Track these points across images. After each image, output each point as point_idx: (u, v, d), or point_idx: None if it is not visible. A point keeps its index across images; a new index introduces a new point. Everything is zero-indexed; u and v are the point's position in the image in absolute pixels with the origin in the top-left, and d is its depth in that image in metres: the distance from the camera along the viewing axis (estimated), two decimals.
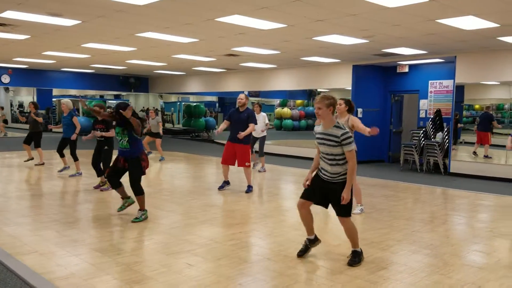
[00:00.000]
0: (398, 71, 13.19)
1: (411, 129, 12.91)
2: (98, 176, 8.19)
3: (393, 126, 13.63)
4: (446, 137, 11.29)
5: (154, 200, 7.39)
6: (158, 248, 4.87)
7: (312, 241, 4.61)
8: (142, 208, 5.96)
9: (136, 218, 5.87)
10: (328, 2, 6.30)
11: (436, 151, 11.26)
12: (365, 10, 6.69)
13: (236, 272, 4.18)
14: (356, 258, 4.36)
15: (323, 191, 4.36)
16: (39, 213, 6.31)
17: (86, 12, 7.32)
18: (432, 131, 11.77)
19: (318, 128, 4.34)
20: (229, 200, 7.60)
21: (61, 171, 9.78)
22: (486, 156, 11.95)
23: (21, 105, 27.73)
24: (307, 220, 4.53)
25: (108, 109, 6.49)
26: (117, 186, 6.07)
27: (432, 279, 4.07)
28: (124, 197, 6.17)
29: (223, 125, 8.31)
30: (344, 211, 4.30)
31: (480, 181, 10.22)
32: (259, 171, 10.93)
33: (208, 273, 4.12)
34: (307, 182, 4.46)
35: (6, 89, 26.65)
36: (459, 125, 12.69)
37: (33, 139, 10.83)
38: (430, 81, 12.44)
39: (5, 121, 20.81)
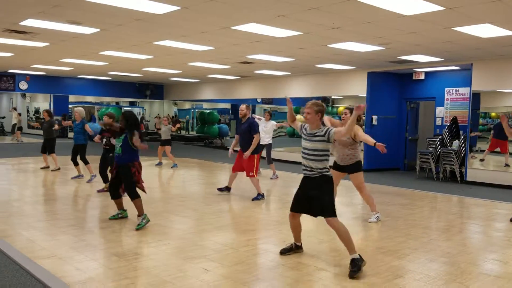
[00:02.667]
0: (414, 78, 13.12)
1: (427, 136, 12.81)
2: (105, 182, 8.30)
3: (409, 134, 13.54)
4: (463, 145, 11.17)
5: (169, 205, 7.45)
6: (175, 252, 4.91)
7: (298, 247, 4.90)
8: (140, 213, 5.89)
9: (138, 225, 5.79)
10: (344, 10, 6.33)
11: (452, 159, 11.15)
12: (381, 17, 6.70)
13: (252, 278, 4.20)
14: (355, 268, 4.22)
15: (307, 196, 4.53)
16: (56, 218, 6.40)
17: (106, 21, 7.46)
18: (448, 139, 11.67)
19: (307, 125, 4.61)
20: (243, 207, 7.63)
21: (74, 178, 9.89)
22: (507, 165, 11.81)
23: (37, 111, 28.17)
24: (296, 229, 4.81)
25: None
26: (116, 197, 6.11)
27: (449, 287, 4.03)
28: (120, 208, 6.24)
29: (234, 141, 8.41)
30: (327, 211, 4.40)
31: (497, 189, 10.08)
32: (271, 178, 10.94)
33: (225, 278, 4.14)
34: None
35: (23, 95, 27.11)
36: (472, 133, 12.53)
37: (47, 145, 11.03)
38: (446, 89, 12.34)
39: (20, 128, 21.09)
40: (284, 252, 4.84)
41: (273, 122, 11.21)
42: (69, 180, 9.79)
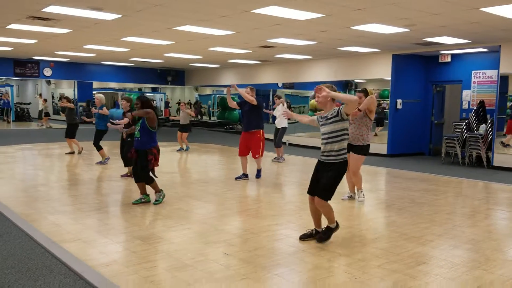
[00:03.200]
0: (440, 60, 12.78)
1: (454, 120, 12.51)
2: (125, 166, 8.40)
3: (435, 118, 13.25)
4: (490, 129, 10.87)
5: (190, 190, 7.51)
6: (196, 237, 4.94)
7: (316, 233, 4.83)
8: (157, 190, 6.20)
9: (156, 200, 6.15)
10: None
11: (479, 144, 10.87)
12: None
13: (272, 262, 4.19)
14: (325, 235, 4.68)
15: (319, 176, 4.60)
16: (81, 202, 6.53)
17: (126, 6, 7.47)
18: (475, 123, 11.37)
19: (318, 116, 4.74)
20: (262, 192, 7.62)
21: (99, 163, 9.96)
22: None
23: (61, 98, 28.68)
24: (316, 214, 4.78)
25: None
26: (138, 181, 6.22)
27: (473, 274, 3.95)
28: (143, 193, 6.32)
29: (235, 104, 8.37)
30: (324, 192, 4.50)
31: None
32: (272, 160, 11.02)
33: (245, 263, 4.15)
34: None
35: (48, 82, 27.59)
36: None
37: (69, 130, 11.20)
38: (473, 71, 12.00)
39: (47, 114, 21.52)
40: (303, 237, 4.83)
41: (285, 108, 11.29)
42: (94, 164, 9.93)
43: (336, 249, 4.57)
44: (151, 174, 6.15)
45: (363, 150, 6.41)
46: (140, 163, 6.08)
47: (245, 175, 8.46)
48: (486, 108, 11.39)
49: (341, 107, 4.45)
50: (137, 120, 6.17)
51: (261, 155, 8.31)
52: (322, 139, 4.60)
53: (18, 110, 25.91)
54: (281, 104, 11.36)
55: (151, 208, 6.16)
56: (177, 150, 12.81)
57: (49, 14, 8.17)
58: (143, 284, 3.59)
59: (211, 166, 11.08)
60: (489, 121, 11.01)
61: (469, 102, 12.10)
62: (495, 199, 7.78)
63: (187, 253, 4.39)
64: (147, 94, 28.51)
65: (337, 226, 4.77)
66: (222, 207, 6.41)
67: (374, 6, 7.05)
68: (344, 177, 6.39)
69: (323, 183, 4.53)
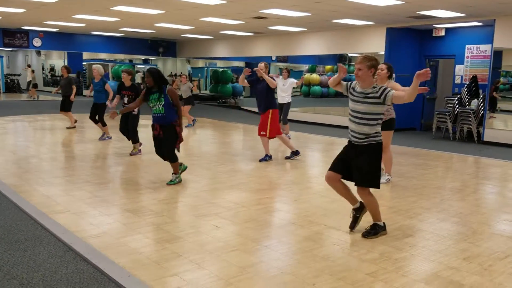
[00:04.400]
0: (434, 34, 12.67)
1: (446, 95, 12.51)
2: (130, 140, 8.08)
3: (427, 93, 13.22)
4: (482, 104, 10.89)
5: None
6: (187, 210, 4.97)
7: (359, 210, 4.32)
8: (176, 172, 6.04)
9: (171, 181, 5.98)
10: None
11: (470, 119, 10.91)
12: None
13: (262, 235, 4.24)
14: (372, 230, 4.17)
15: (348, 162, 4.12)
16: (71, 174, 6.51)
17: None
18: (467, 98, 11.38)
19: (357, 85, 4.08)
20: (256, 167, 7.63)
21: (102, 139, 9.62)
22: None
23: (52, 69, 28.23)
24: (343, 192, 4.30)
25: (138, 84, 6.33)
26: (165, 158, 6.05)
27: (459, 247, 4.01)
28: (176, 171, 6.07)
29: (243, 76, 7.74)
30: (367, 180, 4.03)
31: None
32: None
33: (235, 235, 4.19)
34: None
35: (38, 53, 27.10)
36: (494, 94, 12.17)
37: (65, 103, 10.95)
38: (467, 46, 11.93)
39: (35, 85, 21.15)
40: (352, 226, 4.33)
41: (292, 80, 10.79)
42: (87, 137, 9.84)
43: (325, 222, 4.62)
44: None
45: (387, 125, 6.13)
46: (169, 141, 5.84)
47: (268, 156, 7.95)
48: (479, 83, 11.38)
49: (389, 92, 3.89)
50: (147, 98, 5.85)
51: (269, 136, 7.72)
52: (354, 117, 4.05)
53: (8, 81, 25.50)
54: (280, 77, 10.80)
55: (142, 182, 6.16)
56: (185, 126, 12.32)
57: None
58: (132, 255, 3.62)
59: (204, 141, 11.05)
60: (481, 96, 11.02)
61: (461, 77, 12.08)
62: (484, 173, 7.86)
63: (177, 225, 4.42)
64: (138, 66, 28.16)
65: (384, 227, 4.24)
66: (214, 181, 6.42)
67: None
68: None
69: (365, 169, 4.01)
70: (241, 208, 5.05)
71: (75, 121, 11.20)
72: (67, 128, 11.13)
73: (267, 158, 7.93)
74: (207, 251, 3.75)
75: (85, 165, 7.23)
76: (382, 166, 6.40)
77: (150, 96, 5.84)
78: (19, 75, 26.39)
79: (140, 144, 8.11)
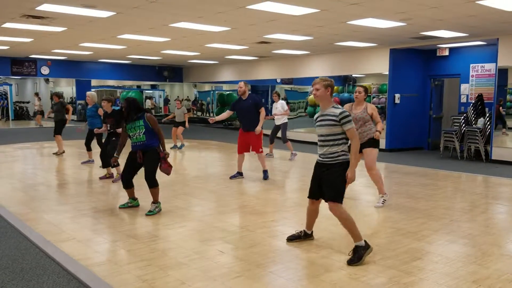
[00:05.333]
0: (438, 54, 12.73)
1: (452, 114, 12.47)
2: (104, 167, 8.18)
3: (433, 112, 13.21)
4: (488, 123, 10.83)
5: (188, 188, 7.49)
6: (191, 235, 4.93)
7: (307, 235, 4.68)
8: (155, 200, 5.80)
9: (150, 211, 5.70)
10: None
11: (477, 138, 10.84)
12: None
13: (267, 260, 4.18)
14: (355, 256, 4.04)
15: (319, 180, 4.29)
16: (78, 201, 6.51)
17: (120, 4, 7.43)
18: (473, 116, 11.33)
19: (317, 114, 4.33)
20: (260, 189, 7.60)
21: (84, 162, 9.87)
22: None
23: (61, 96, 28.61)
24: (312, 215, 4.60)
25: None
26: (128, 186, 5.91)
27: (468, 269, 3.93)
28: (131, 197, 6.03)
29: (226, 114, 8.22)
30: (334, 194, 4.12)
31: None
32: (290, 159, 10.89)
33: (240, 260, 4.14)
34: None
35: (46, 80, 27.55)
36: (501, 109, 12.13)
37: (56, 126, 10.89)
38: (471, 65, 11.95)
39: (41, 113, 21.39)
40: (291, 239, 4.63)
41: (282, 102, 11.13)
42: (91, 164, 9.89)
43: (332, 246, 4.56)
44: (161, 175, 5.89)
45: (372, 143, 6.12)
46: (150, 165, 5.71)
47: (239, 174, 8.31)
48: (485, 101, 11.35)
49: (347, 119, 4.06)
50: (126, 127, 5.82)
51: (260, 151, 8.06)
52: (319, 141, 4.25)
53: (17, 109, 25.88)
54: (280, 101, 11.17)
55: (146, 207, 6.12)
56: (171, 148, 12.58)
57: (43, 13, 8.13)
58: (136, 283, 3.58)
59: (210, 163, 11.06)
60: (488, 115, 10.97)
61: (467, 96, 12.06)
62: (493, 193, 7.75)
63: (181, 251, 4.38)
64: (146, 91, 28.50)
65: (367, 246, 4.12)
66: (219, 204, 6.39)
67: (369, 0, 7.00)
68: (372, 182, 6.29)
69: (329, 185, 4.17)
70: (246, 232, 5.01)
71: (63, 152, 11.21)
72: (55, 154, 11.10)
73: (267, 174, 8.14)
74: (211, 278, 3.70)
75: (91, 191, 7.25)
76: (377, 187, 6.38)
77: (128, 125, 5.76)
78: (27, 102, 26.79)
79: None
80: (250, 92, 8.15)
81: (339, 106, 4.22)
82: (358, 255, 4.05)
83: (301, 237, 4.65)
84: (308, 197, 4.50)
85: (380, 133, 6.08)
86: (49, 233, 4.87)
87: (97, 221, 5.41)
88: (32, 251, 4.36)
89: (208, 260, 4.11)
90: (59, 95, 11.25)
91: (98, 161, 9.68)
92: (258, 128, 7.78)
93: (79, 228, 5.12)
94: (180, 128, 12.57)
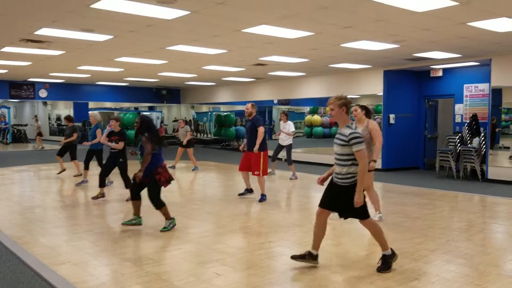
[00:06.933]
0: (431, 75, 12.88)
1: (447, 134, 12.56)
2: (100, 186, 8.17)
3: (428, 132, 13.29)
4: (483, 142, 10.91)
5: (185, 209, 7.47)
6: (187, 257, 4.91)
7: (312, 257, 4.46)
8: (168, 218, 5.95)
9: (165, 227, 5.88)
10: (354, 8, 6.25)
11: (473, 157, 10.90)
12: (393, 15, 6.59)
13: (264, 281, 4.16)
14: (384, 265, 4.31)
15: (335, 196, 4.31)
16: (74, 224, 6.49)
17: (117, 28, 7.54)
18: (468, 136, 11.42)
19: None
20: (258, 209, 7.59)
21: (79, 184, 9.84)
22: None
23: (58, 119, 28.70)
24: (319, 231, 4.44)
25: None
26: (136, 198, 5.97)
27: None
28: (136, 214, 6.04)
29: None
30: (361, 214, 4.26)
31: None
32: (290, 179, 10.91)
33: (237, 283, 4.12)
34: (320, 180, 4.53)
35: (44, 103, 27.66)
36: (496, 129, 12.25)
37: (69, 152, 11.04)
38: (465, 85, 12.10)
39: (40, 134, 21.42)
40: (295, 258, 4.49)
41: (290, 123, 11.19)
42: (89, 185, 9.86)
43: (328, 267, 4.54)
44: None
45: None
46: (151, 189, 5.83)
47: (248, 191, 8.23)
48: (479, 121, 11.45)
49: (357, 141, 4.07)
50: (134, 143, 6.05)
51: (263, 174, 7.95)
52: (335, 158, 4.32)
53: (15, 131, 25.91)
54: (289, 121, 11.24)
55: (142, 229, 6.11)
56: (169, 167, 12.53)
57: (42, 37, 8.24)
58: None
59: (208, 184, 11.05)
60: (482, 134, 11.05)
61: (462, 115, 12.17)
62: (490, 212, 7.76)
63: (177, 274, 4.36)
64: (144, 113, 28.62)
65: (394, 254, 4.35)
66: (216, 226, 6.38)
67: (362, 23, 7.14)
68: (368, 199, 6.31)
69: (351, 207, 4.16)
70: (243, 254, 4.99)
71: (64, 170, 11.23)
72: (74, 176, 11.12)
73: (264, 198, 8.02)
74: None
75: (87, 214, 7.23)
76: (372, 204, 6.35)
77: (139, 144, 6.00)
78: (25, 125, 26.83)
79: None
80: (257, 113, 8.14)
81: (352, 127, 4.18)
82: (387, 263, 4.30)
83: (305, 258, 4.46)
84: (319, 205, 4.42)
85: (375, 162, 5.98)
86: (45, 256, 4.85)
87: (93, 244, 5.39)
88: (27, 275, 4.33)
89: (204, 283, 4.09)
90: (71, 119, 11.30)
91: (92, 181, 9.71)
92: (256, 148, 7.78)
93: (75, 251, 5.10)
94: (190, 150, 12.73)
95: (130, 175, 6.47)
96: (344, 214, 4.36)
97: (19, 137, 25.60)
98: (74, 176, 11.14)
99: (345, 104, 4.16)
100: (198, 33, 7.98)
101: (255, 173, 7.92)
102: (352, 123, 4.25)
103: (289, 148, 11.14)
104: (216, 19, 6.88)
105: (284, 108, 22.76)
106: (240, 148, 8.35)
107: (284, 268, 4.55)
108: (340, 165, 4.22)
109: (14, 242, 5.40)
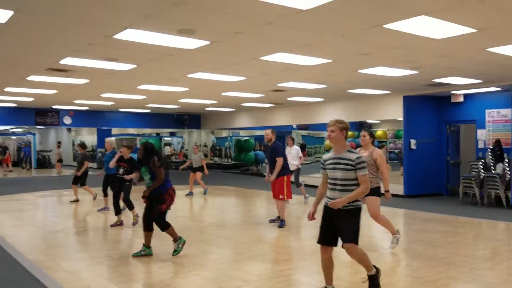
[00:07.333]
0: (452, 100, 12.77)
1: (469, 160, 12.35)
2: (116, 214, 8.25)
3: (451, 157, 13.10)
4: (508, 168, 10.68)
5: (203, 235, 7.49)
6: (205, 283, 4.90)
7: None
8: (176, 239, 5.92)
9: (175, 250, 5.85)
10: (371, 36, 6.31)
11: (497, 184, 10.65)
12: (411, 42, 6.62)
13: None
14: (373, 285, 4.27)
15: (332, 225, 4.18)
16: (95, 249, 6.56)
17: (140, 57, 7.77)
18: (492, 162, 11.20)
19: (327, 155, 4.28)
20: (278, 235, 7.55)
21: (100, 210, 9.97)
22: None
23: (85, 146, 29.28)
24: (327, 267, 4.32)
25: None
26: (148, 229, 6.01)
27: None
28: (146, 245, 6.06)
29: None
30: (350, 236, 4.09)
31: None
32: (305, 203, 10.91)
33: None
34: (311, 217, 4.40)
35: (68, 130, 28.33)
36: None
37: (79, 178, 11.19)
38: (487, 110, 11.93)
39: (60, 161, 21.85)
40: None
41: (296, 148, 11.31)
42: (110, 211, 9.97)
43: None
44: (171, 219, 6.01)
45: (375, 192, 6.08)
46: (156, 210, 5.87)
47: (284, 221, 8.15)
48: (503, 147, 11.24)
49: (362, 166, 4.06)
50: (140, 167, 6.07)
51: (287, 198, 8.09)
52: (333, 184, 4.16)
53: (40, 157, 26.53)
54: (295, 146, 11.40)
55: (161, 255, 6.13)
56: (186, 195, 12.62)
57: (66, 66, 8.53)
58: None
59: (226, 209, 11.06)
60: (506, 160, 10.83)
61: (484, 141, 11.97)
62: None
63: None
64: (166, 139, 29.03)
65: (378, 271, 4.33)
66: (234, 252, 6.36)
67: (379, 50, 7.19)
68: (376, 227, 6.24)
69: (346, 228, 4.09)
70: (261, 281, 4.95)
71: (78, 200, 11.40)
72: (94, 198, 11.33)
73: (284, 223, 8.04)
74: None
75: (107, 239, 7.30)
76: (388, 229, 6.30)
77: (142, 168, 5.99)
78: (50, 151, 27.48)
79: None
80: (276, 138, 8.29)
81: (355, 151, 4.20)
82: (375, 283, 4.27)
83: None
84: (319, 242, 4.28)
85: (388, 192, 6.11)
86: (66, 281, 4.91)
87: (112, 270, 5.44)
88: None
89: None
90: (84, 146, 11.64)
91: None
92: (272, 178, 7.94)
93: (95, 276, 5.15)
94: (199, 174, 12.69)
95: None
96: (341, 236, 4.17)
97: (44, 162, 26.18)
98: (93, 199, 11.26)
99: (346, 128, 4.18)
100: (217, 61, 8.15)
101: (280, 197, 7.99)
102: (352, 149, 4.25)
103: (297, 172, 11.29)
104: (235, 48, 7.03)
105: (304, 132, 22.81)
106: (266, 180, 8.38)
107: None
108: (341, 190, 4.12)
109: (36, 267, 5.48)
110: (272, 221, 8.37)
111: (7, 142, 28.24)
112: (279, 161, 7.94)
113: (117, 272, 5.32)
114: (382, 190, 6.22)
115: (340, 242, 4.20)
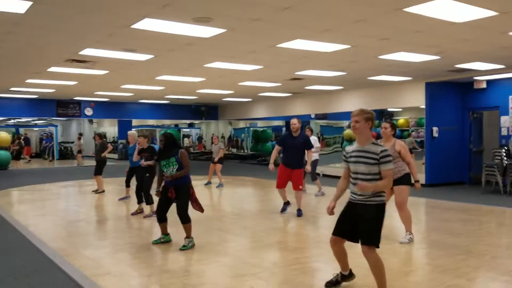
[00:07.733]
0: (475, 87, 12.47)
1: (493, 147, 12.07)
2: (139, 203, 8.33)
3: (473, 145, 12.84)
4: None
5: (221, 223, 7.53)
6: (224, 270, 4.93)
7: (346, 277, 4.26)
8: (188, 236, 5.86)
9: (184, 246, 5.76)
10: (391, 20, 6.19)
11: None
12: (432, 26, 6.47)
13: None
14: (336, 283, 4.09)
15: (353, 220, 3.92)
16: (115, 236, 6.67)
17: (158, 47, 7.81)
18: None
19: (350, 147, 4.01)
20: (294, 224, 7.54)
21: (122, 199, 10.08)
22: None
23: (104, 136, 29.76)
24: (341, 257, 4.16)
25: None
26: (162, 220, 6.00)
27: None
28: (164, 233, 6.08)
29: (275, 152, 8.25)
30: (370, 237, 3.80)
31: None
32: (316, 195, 10.72)
33: None
34: (331, 211, 4.17)
35: (90, 121, 28.76)
36: None
37: (96, 166, 11.27)
38: (510, 97, 11.63)
39: (80, 152, 22.14)
40: (329, 285, 4.23)
41: (314, 138, 11.03)
42: (130, 200, 10.11)
43: (368, 283, 4.43)
44: (190, 209, 5.92)
45: (404, 180, 5.91)
46: (182, 200, 5.82)
47: (287, 204, 8.22)
48: None
49: (387, 160, 3.78)
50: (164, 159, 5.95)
51: (302, 188, 8.14)
52: (355, 179, 3.89)
53: (62, 149, 27.03)
54: (313, 136, 11.14)
55: (181, 242, 6.18)
56: (205, 184, 12.69)
57: (86, 57, 8.64)
58: None
59: (244, 199, 11.09)
60: None
61: (508, 128, 11.69)
62: None
63: (213, 286, 4.39)
64: (184, 130, 29.23)
65: (352, 276, 4.27)
66: (252, 240, 6.39)
67: (400, 35, 7.05)
68: (399, 218, 6.05)
69: (366, 227, 3.83)
70: (278, 268, 4.96)
71: (104, 191, 11.35)
72: (95, 192, 11.31)
73: (301, 213, 7.98)
74: None
75: (128, 227, 7.41)
76: (404, 224, 6.07)
77: (163, 161, 5.87)
78: (72, 142, 27.97)
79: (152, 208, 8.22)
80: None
81: (379, 143, 3.93)
82: (339, 281, 4.14)
83: (339, 281, 4.23)
84: (333, 234, 4.07)
85: (419, 181, 5.91)
86: (86, 268, 5.00)
87: (133, 256, 5.52)
88: (69, 286, 4.47)
89: None
90: (101, 136, 11.73)
91: (134, 197, 9.94)
92: (308, 168, 8.04)
93: (116, 263, 5.23)
94: (218, 166, 12.62)
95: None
96: (358, 236, 3.91)
97: (66, 153, 26.68)
98: (96, 192, 11.20)
99: (371, 119, 3.88)
100: (234, 50, 8.13)
101: (300, 187, 7.93)
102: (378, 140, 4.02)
103: (314, 163, 10.63)
104: (252, 35, 7.00)
105: (322, 122, 22.62)
106: (271, 168, 8.06)
107: (320, 284, 4.46)
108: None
109: (57, 254, 5.60)
110: (283, 210, 8.24)
111: (29, 134, 28.87)
112: (311, 153, 8.05)
113: (137, 259, 5.40)
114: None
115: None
